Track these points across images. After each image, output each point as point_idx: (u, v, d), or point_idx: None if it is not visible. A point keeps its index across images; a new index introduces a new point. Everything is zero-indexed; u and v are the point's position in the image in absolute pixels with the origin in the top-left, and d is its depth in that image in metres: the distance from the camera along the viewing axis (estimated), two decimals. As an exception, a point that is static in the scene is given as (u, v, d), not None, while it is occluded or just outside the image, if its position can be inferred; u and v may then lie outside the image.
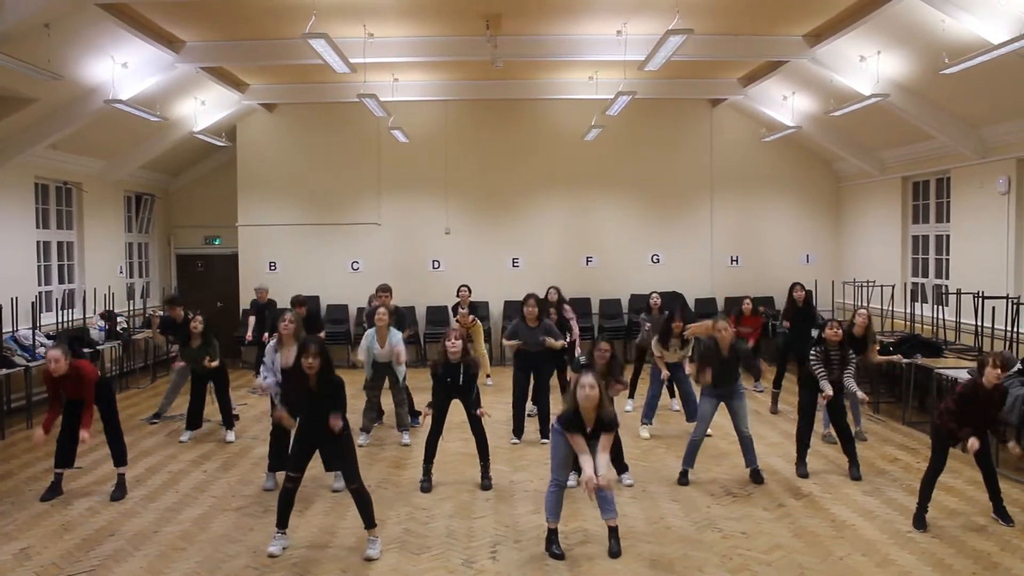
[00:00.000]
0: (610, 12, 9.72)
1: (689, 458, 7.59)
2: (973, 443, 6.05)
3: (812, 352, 7.78)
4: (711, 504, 6.96)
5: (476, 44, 10.49)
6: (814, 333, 9.95)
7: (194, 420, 9.42)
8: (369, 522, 5.88)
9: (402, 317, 9.72)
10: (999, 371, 6.14)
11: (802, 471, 7.72)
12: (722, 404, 7.61)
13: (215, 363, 9.23)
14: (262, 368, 7.58)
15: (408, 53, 10.89)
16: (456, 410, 7.59)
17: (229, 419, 9.44)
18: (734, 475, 7.65)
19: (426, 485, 7.39)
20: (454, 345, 7.25)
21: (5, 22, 7.87)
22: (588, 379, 5.68)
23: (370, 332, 8.83)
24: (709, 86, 13.72)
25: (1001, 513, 6.40)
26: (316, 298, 14.54)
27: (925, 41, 9.02)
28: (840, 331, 7.73)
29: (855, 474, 7.62)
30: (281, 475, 7.51)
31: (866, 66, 10.25)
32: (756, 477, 7.53)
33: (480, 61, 11.07)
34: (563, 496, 5.90)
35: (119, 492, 7.27)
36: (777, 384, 10.78)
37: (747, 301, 11.78)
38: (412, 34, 10.62)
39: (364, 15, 9.67)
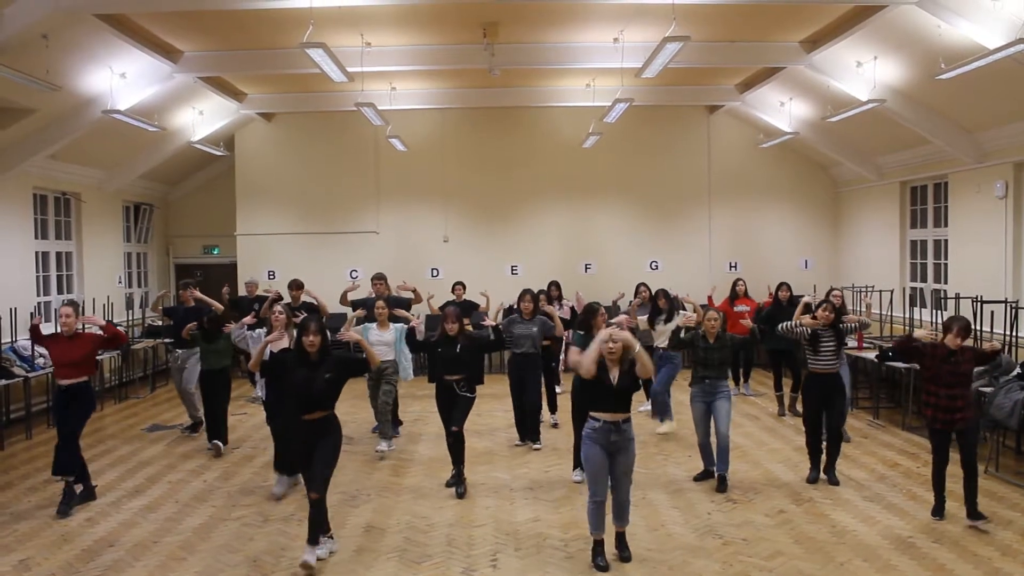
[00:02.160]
0: (607, 20, 9.75)
1: (706, 458, 7.75)
2: (921, 334, 6.71)
3: (799, 329, 7.64)
4: (712, 511, 6.95)
5: (473, 52, 10.52)
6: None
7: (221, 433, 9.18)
8: (313, 538, 5.74)
9: (398, 302, 9.67)
10: (959, 340, 6.39)
11: (813, 476, 7.69)
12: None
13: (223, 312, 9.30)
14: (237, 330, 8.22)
15: (406, 62, 10.93)
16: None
17: (220, 430, 9.13)
18: (735, 480, 7.63)
19: (460, 490, 7.46)
20: (451, 327, 7.49)
21: (3, 33, 7.91)
22: (609, 333, 5.77)
23: (369, 325, 8.89)
24: (706, 92, 13.75)
25: (974, 515, 6.45)
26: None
27: (921, 47, 9.04)
28: (832, 314, 7.60)
29: (832, 478, 7.60)
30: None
31: (863, 72, 10.27)
32: (722, 484, 7.45)
33: (477, 69, 11.10)
34: (604, 510, 5.78)
35: (66, 505, 7.03)
36: (778, 387, 10.84)
37: (740, 282, 12.05)
38: (409, 43, 10.65)
39: (362, 24, 9.70)
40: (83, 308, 12.42)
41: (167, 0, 8.50)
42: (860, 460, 8.40)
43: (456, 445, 7.53)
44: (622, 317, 9.23)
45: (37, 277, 11.80)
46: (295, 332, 6.24)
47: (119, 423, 10.89)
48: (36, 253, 11.80)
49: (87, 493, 7.32)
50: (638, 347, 5.76)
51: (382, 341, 8.77)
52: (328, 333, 6.01)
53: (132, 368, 13.42)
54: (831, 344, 7.54)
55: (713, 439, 7.66)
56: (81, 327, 7.40)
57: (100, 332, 7.45)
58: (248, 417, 10.83)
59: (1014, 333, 9.16)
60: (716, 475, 7.57)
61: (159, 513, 7.07)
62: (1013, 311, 9.32)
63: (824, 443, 7.72)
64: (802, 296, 9.50)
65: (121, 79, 10.22)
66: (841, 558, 5.88)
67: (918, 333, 6.86)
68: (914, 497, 7.21)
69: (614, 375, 5.73)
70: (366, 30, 9.94)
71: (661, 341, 9.49)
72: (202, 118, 13.22)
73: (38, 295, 11.75)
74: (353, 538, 6.41)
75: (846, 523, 6.59)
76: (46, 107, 9.97)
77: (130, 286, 14.75)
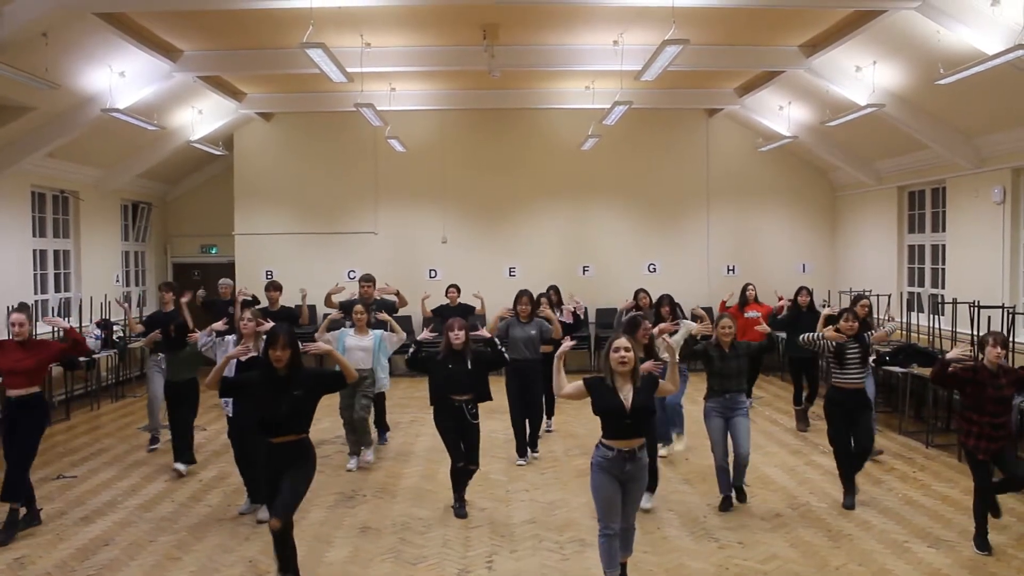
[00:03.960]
0: (607, 22, 9.75)
1: (724, 484, 7.04)
2: (954, 353, 6.10)
3: (824, 341, 7.10)
4: (708, 514, 6.95)
5: (473, 54, 10.51)
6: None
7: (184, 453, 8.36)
8: (285, 566, 5.18)
9: (384, 306, 9.25)
10: (999, 350, 5.93)
11: (849, 503, 7.04)
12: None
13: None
14: (203, 337, 7.39)
15: (405, 63, 10.93)
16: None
17: (187, 449, 8.35)
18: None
19: (460, 510, 6.92)
20: (457, 336, 6.82)
21: (3, 31, 7.88)
22: (621, 341, 5.03)
23: (346, 330, 8.40)
24: (705, 96, 13.77)
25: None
26: (312, 307, 14.58)
27: (920, 52, 9.06)
28: (856, 323, 7.09)
29: (849, 502, 7.05)
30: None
31: (862, 76, 10.28)
32: (740, 494, 7.10)
33: (477, 71, 11.10)
34: (616, 544, 5.12)
35: (6, 534, 6.34)
36: (798, 400, 10.19)
37: (751, 286, 11.46)
38: (409, 44, 10.65)
39: (361, 25, 9.70)
40: (80, 306, 12.44)
41: (167, -1, 8.52)
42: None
43: (465, 476, 6.96)
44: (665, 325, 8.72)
45: (35, 275, 11.78)
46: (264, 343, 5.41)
47: (115, 422, 10.89)
48: (34, 251, 11.78)
49: (31, 517, 6.63)
50: (674, 354, 5.14)
51: (360, 347, 8.25)
52: (300, 345, 5.35)
53: (129, 367, 13.41)
54: (856, 356, 7.04)
55: (687, 458, 7.39)
56: (34, 332, 6.73)
57: (62, 337, 6.86)
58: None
59: (1011, 338, 9.17)
60: (732, 487, 7.06)
61: (155, 512, 7.07)
62: (1010, 316, 9.33)
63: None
64: (824, 305, 9.13)
65: (120, 78, 10.20)
66: (836, 562, 5.88)
67: (952, 355, 6.13)
68: (910, 502, 7.22)
69: (626, 394, 4.97)
70: (366, 31, 9.94)
71: (665, 353, 8.88)
72: (201, 117, 13.21)
73: (35, 293, 11.73)
74: (349, 539, 6.41)
75: (841, 527, 6.59)
76: (45, 105, 9.95)
77: (128, 285, 14.74)
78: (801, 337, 7.39)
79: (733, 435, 6.97)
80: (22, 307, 6.84)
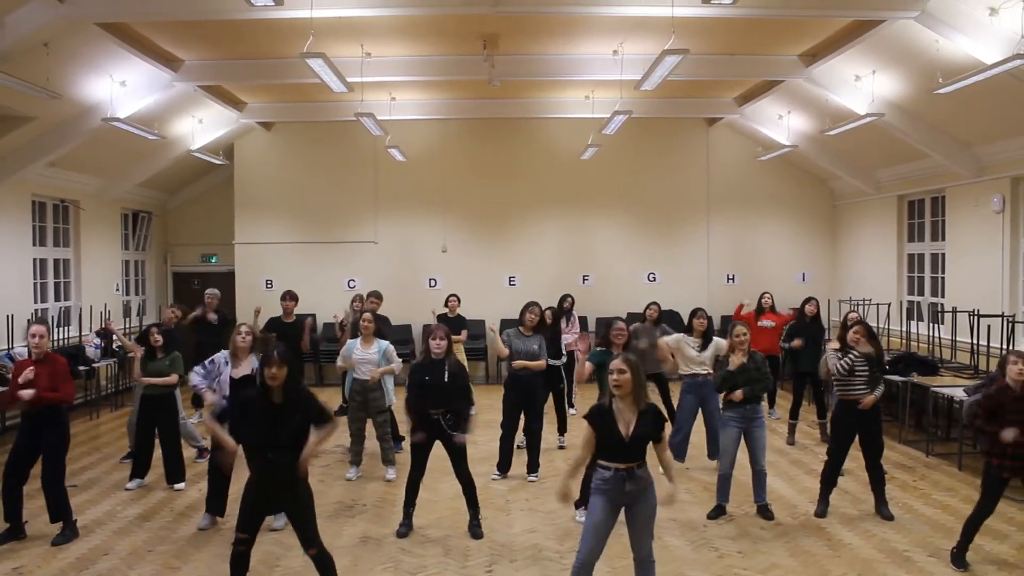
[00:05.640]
0: (606, 32, 9.79)
1: (722, 492, 7.07)
2: (1006, 434, 5.65)
3: (842, 361, 6.93)
4: (708, 523, 6.93)
5: (473, 64, 10.55)
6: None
7: (143, 465, 8.17)
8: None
9: (385, 326, 9.22)
10: (1021, 366, 5.73)
11: (821, 510, 7.10)
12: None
13: (173, 377, 7.89)
14: (198, 374, 6.85)
15: (405, 72, 10.96)
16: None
17: (178, 468, 8.05)
18: (732, 492, 7.57)
19: (403, 530, 6.66)
20: (439, 345, 6.57)
21: (4, 41, 7.93)
22: (616, 362, 4.67)
23: (352, 342, 8.37)
24: (705, 105, 13.80)
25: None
26: (313, 316, 14.60)
27: (919, 61, 9.09)
28: (864, 338, 6.95)
29: (886, 513, 6.99)
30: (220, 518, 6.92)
31: (861, 86, 10.32)
32: (765, 513, 7.04)
33: (477, 80, 11.14)
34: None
35: (66, 535, 6.52)
36: (794, 415, 9.96)
37: (767, 295, 11.25)
38: (409, 54, 10.69)
39: (362, 35, 9.74)
40: (80, 315, 12.44)
41: (168, 9, 8.52)
42: (857, 473, 8.38)
43: (468, 489, 6.73)
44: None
45: (35, 284, 11.79)
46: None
47: (115, 431, 10.87)
48: (34, 260, 11.79)
49: (16, 530, 6.56)
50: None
51: (366, 359, 8.15)
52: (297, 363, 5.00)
53: (129, 376, 13.37)
54: (864, 370, 6.91)
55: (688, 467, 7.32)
56: (51, 348, 6.55)
57: (65, 362, 6.60)
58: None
59: (1011, 347, 9.17)
60: (757, 506, 7.10)
61: (153, 522, 7.05)
62: (1010, 325, 9.33)
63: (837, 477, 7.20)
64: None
65: (121, 87, 10.25)
66: (837, 572, 5.87)
67: (1007, 435, 5.70)
68: (911, 511, 7.21)
69: (628, 423, 4.63)
70: (366, 40, 9.98)
71: (695, 367, 8.40)
72: (202, 127, 13.24)
73: (35, 302, 11.74)
74: (349, 548, 6.39)
75: (842, 536, 6.58)
76: (46, 115, 9.98)
77: (127, 294, 14.74)
78: (821, 371, 7.16)
79: (750, 449, 7.02)
80: (42, 321, 6.56)
